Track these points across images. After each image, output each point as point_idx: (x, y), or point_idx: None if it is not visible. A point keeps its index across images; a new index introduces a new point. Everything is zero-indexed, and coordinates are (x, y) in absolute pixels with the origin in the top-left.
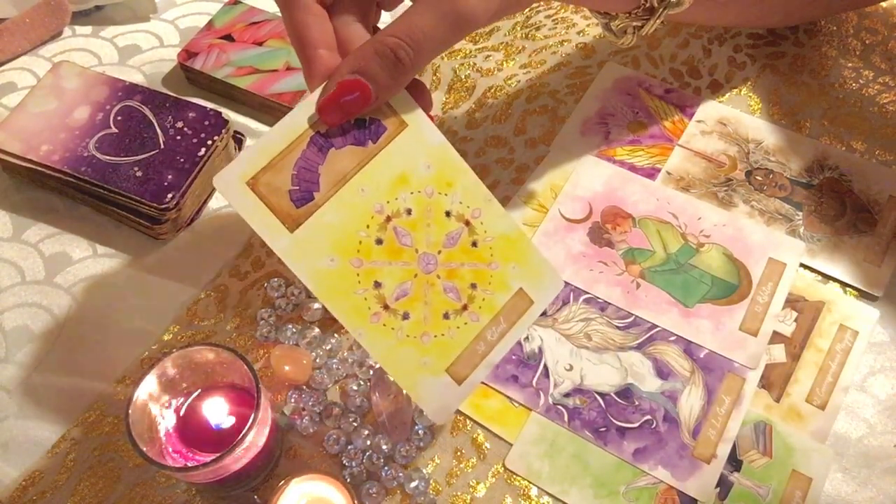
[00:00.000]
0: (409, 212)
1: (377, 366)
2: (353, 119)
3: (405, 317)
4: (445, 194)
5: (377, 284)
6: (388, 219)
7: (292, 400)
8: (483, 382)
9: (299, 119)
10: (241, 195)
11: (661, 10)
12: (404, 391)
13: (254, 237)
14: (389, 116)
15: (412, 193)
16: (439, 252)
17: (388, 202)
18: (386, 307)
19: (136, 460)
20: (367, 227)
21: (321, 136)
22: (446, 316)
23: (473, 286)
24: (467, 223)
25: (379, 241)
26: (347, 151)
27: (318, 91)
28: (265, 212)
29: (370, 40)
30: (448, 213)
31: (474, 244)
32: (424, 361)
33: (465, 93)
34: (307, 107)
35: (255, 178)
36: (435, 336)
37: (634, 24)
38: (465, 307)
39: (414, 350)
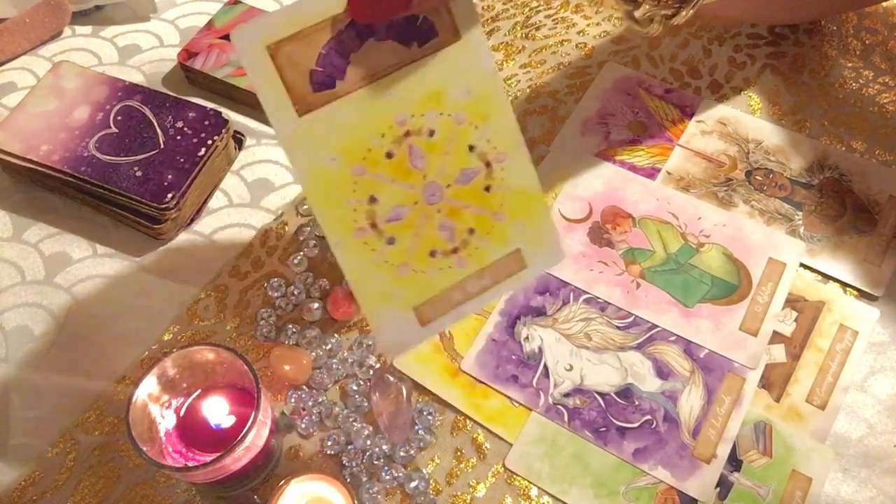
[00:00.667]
0: (431, 133)
1: (377, 366)
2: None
3: (390, 241)
4: (476, 126)
5: (372, 199)
6: (408, 134)
7: (292, 400)
8: (483, 382)
9: None
10: (258, 58)
11: None
12: (365, 315)
13: (254, 237)
14: (444, 21)
15: (441, 114)
16: (448, 186)
17: (412, 116)
18: (374, 226)
19: (136, 460)
20: (383, 135)
21: (354, 25)
22: (433, 254)
23: (471, 231)
24: (488, 164)
25: (389, 155)
26: (387, 46)
27: None
28: (278, 84)
29: None
30: (472, 148)
31: (487, 189)
32: (394, 292)
33: None
34: None
35: (278, 45)
36: (414, 270)
37: (664, 12)
38: (455, 250)
39: (387, 277)
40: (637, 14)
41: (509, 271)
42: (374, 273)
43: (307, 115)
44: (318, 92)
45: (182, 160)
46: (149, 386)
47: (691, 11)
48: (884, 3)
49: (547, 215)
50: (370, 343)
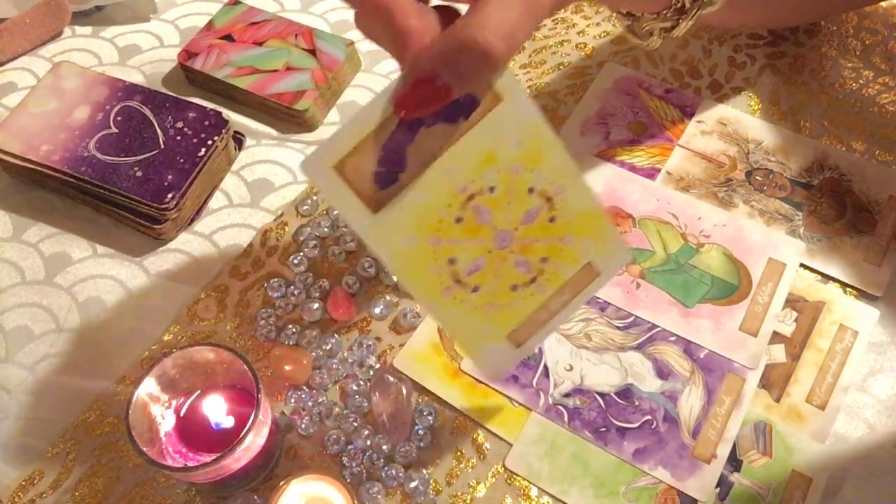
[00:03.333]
0: (491, 189)
1: (377, 366)
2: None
3: (475, 290)
4: (531, 171)
5: (451, 261)
6: (471, 197)
7: (292, 400)
8: (483, 382)
9: (389, 99)
10: (329, 180)
11: (694, 10)
12: (467, 354)
13: (254, 237)
14: (485, 89)
15: (498, 171)
16: (516, 229)
17: (472, 181)
18: (458, 281)
19: (136, 460)
20: (449, 205)
21: (407, 119)
22: (514, 287)
23: (544, 260)
24: (549, 199)
25: (458, 220)
26: (437, 130)
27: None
28: (350, 195)
29: (454, 30)
30: (531, 190)
31: (552, 220)
32: (487, 329)
33: None
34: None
35: (343, 162)
36: (501, 306)
37: (662, 25)
38: (533, 280)
39: (479, 319)
40: (637, 28)
41: (585, 282)
42: (467, 319)
43: (381, 212)
44: (385, 189)
45: (182, 160)
46: (149, 386)
47: (690, 23)
48: (883, 4)
49: (609, 224)
50: (370, 343)
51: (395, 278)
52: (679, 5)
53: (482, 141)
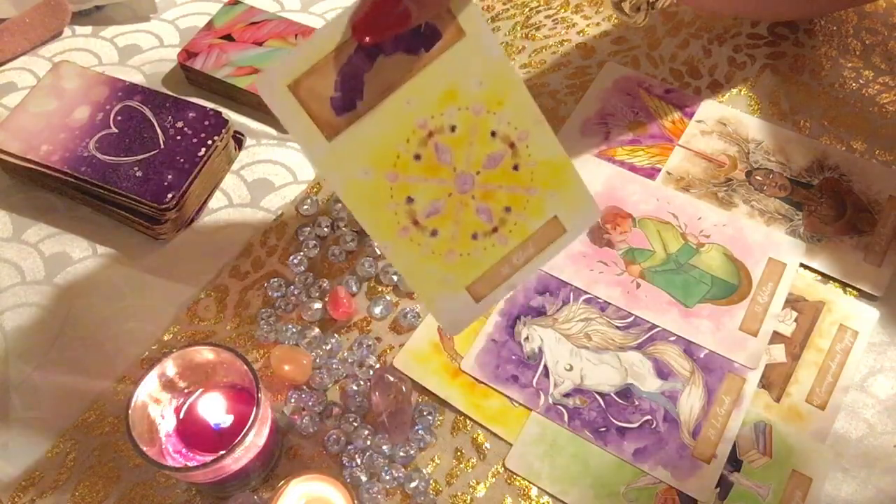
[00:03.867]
0: (452, 129)
1: (377, 366)
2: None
3: (433, 234)
4: (494, 112)
5: (409, 200)
6: (431, 134)
7: (292, 400)
8: (483, 382)
9: (349, 21)
10: (282, 99)
11: None
12: (422, 303)
13: (254, 237)
14: (447, 22)
15: (459, 109)
16: (478, 172)
17: (432, 117)
18: (415, 223)
19: (136, 460)
20: (408, 141)
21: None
22: (475, 236)
23: (507, 209)
24: (512, 145)
25: (417, 157)
26: (397, 59)
27: None
28: (304, 118)
29: None
30: (494, 133)
31: (515, 167)
32: (446, 278)
33: None
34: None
35: (297, 82)
36: (460, 254)
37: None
38: (495, 229)
39: (437, 266)
40: (624, 5)
41: (550, 238)
42: (424, 265)
43: (336, 139)
44: (341, 115)
45: (182, 160)
46: (149, 386)
47: None
48: (883, 4)
49: (577, 178)
50: (370, 343)
51: (350, 212)
52: None
53: (443, 75)
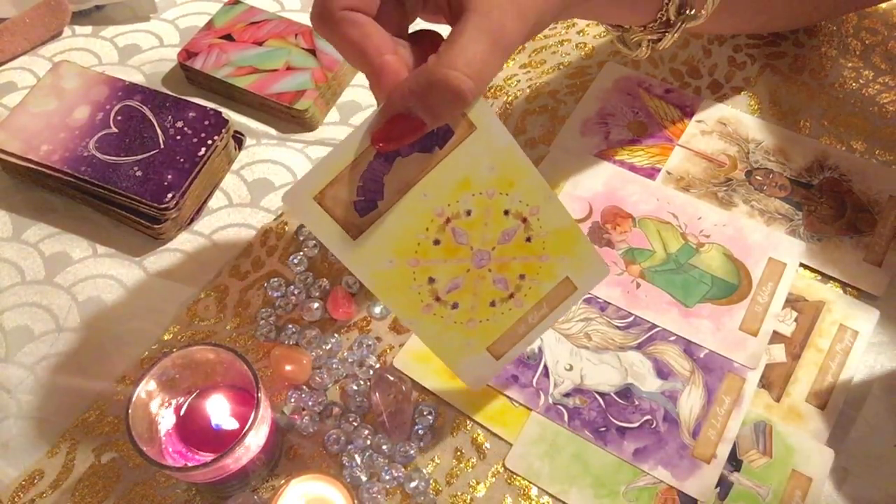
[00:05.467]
0: (468, 213)
1: (377, 366)
2: None
3: (454, 306)
4: (506, 194)
5: (431, 280)
6: (448, 220)
7: (292, 400)
8: None
9: (366, 133)
10: (309, 210)
11: (679, 23)
12: (448, 366)
13: (254, 237)
14: (459, 119)
15: (473, 195)
16: (493, 248)
17: (448, 205)
18: (437, 299)
19: (136, 460)
20: (427, 229)
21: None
22: (493, 304)
23: (522, 277)
24: (524, 220)
25: (436, 242)
26: (413, 158)
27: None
28: (330, 223)
29: (425, 69)
30: (507, 212)
31: (528, 239)
32: (468, 343)
33: None
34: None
35: (322, 193)
36: (480, 321)
37: (649, 37)
38: (511, 295)
39: (459, 334)
40: (626, 39)
41: (563, 296)
42: (447, 335)
43: (361, 237)
44: (364, 216)
45: (182, 160)
46: (149, 386)
47: (675, 36)
48: (883, 4)
49: (585, 241)
50: (370, 343)
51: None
52: (664, 19)
53: (457, 167)
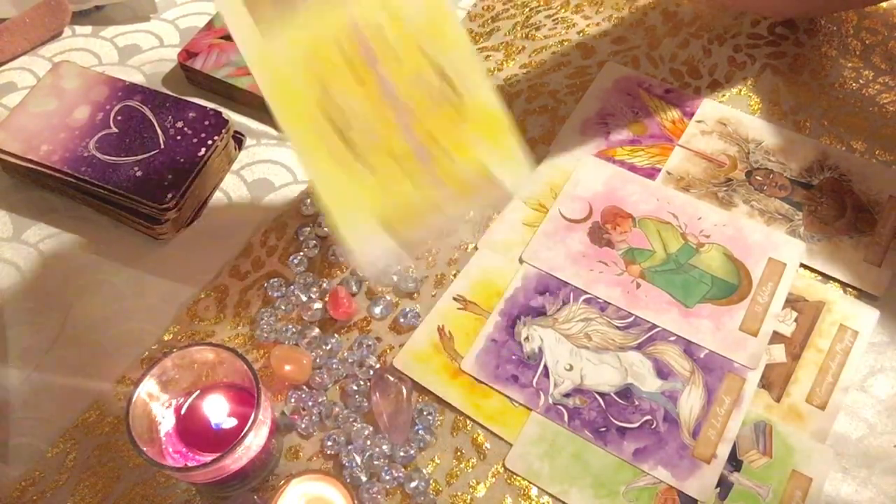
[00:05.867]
0: (384, 38)
1: (377, 366)
2: None
3: (352, 145)
4: (432, 40)
5: (338, 110)
6: (360, 34)
7: (292, 400)
8: (483, 382)
9: None
10: None
11: None
12: (339, 235)
13: (254, 237)
14: None
15: (394, 24)
16: (408, 95)
17: (363, 18)
18: (340, 134)
19: (136, 460)
20: (338, 39)
21: None
22: (397, 157)
23: (432, 137)
24: (448, 80)
25: (347, 62)
26: None
27: None
28: (241, 13)
29: None
30: (429, 62)
31: (450, 104)
32: (361, 203)
33: None
34: None
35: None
36: (383, 184)
37: None
38: (420, 155)
39: (356, 188)
40: None
41: (486, 193)
42: (336, 174)
43: (269, 34)
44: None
45: (182, 160)
46: (149, 386)
47: None
48: (883, 4)
49: (509, 133)
50: (370, 343)
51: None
52: None
53: None
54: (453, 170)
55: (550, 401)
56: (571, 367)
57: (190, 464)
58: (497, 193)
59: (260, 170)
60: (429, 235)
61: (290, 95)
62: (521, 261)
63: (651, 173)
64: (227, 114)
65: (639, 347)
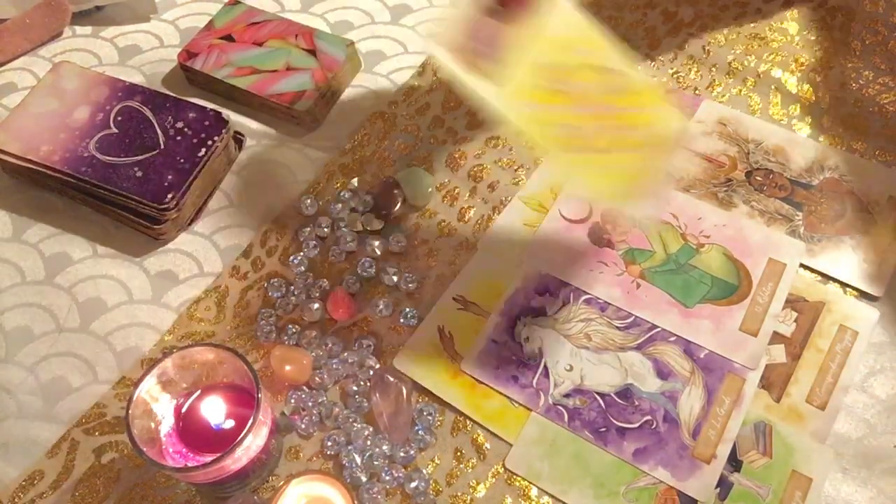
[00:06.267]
0: (568, 68)
1: (377, 366)
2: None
3: (575, 134)
4: (593, 54)
5: (560, 122)
6: (552, 70)
7: (292, 400)
8: (483, 383)
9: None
10: (450, 64)
11: None
12: (608, 200)
13: (254, 237)
14: None
15: (568, 54)
16: (598, 96)
17: (550, 61)
18: (570, 135)
19: (136, 460)
20: (537, 82)
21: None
22: (606, 141)
23: (631, 126)
24: (617, 75)
25: (551, 90)
26: (515, 28)
27: None
28: (471, 78)
29: None
30: (595, 67)
31: (623, 92)
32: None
33: None
34: None
35: (455, 49)
36: (603, 156)
37: None
38: (622, 135)
39: (600, 170)
40: None
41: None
42: (588, 167)
43: (497, 88)
44: (491, 70)
45: (182, 160)
46: (149, 386)
47: None
48: (883, 4)
49: (665, 101)
50: (370, 343)
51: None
52: None
53: (545, 29)
54: (640, 136)
55: (550, 401)
56: (571, 368)
57: (190, 464)
58: (671, 141)
59: (260, 170)
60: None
61: (531, 120)
62: (521, 261)
63: None
64: (227, 114)
65: (639, 348)
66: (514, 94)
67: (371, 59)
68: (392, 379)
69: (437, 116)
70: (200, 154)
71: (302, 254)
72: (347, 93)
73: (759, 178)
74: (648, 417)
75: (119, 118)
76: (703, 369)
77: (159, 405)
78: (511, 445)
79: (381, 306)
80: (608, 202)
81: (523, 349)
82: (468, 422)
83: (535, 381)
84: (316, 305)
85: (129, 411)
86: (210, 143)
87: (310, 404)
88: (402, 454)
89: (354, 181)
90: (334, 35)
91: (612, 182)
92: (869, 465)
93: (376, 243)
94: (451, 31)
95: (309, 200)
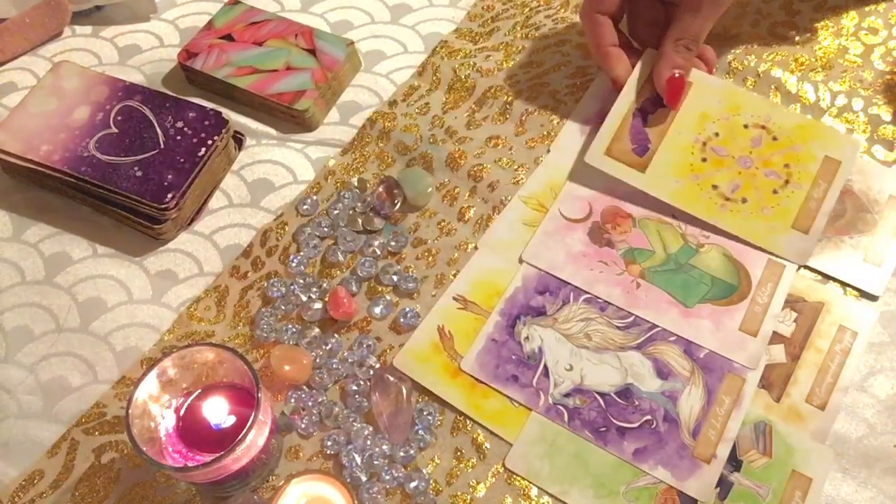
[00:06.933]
0: (717, 135)
1: (377, 366)
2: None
3: (744, 201)
4: (738, 115)
5: (714, 187)
6: (704, 143)
7: (292, 400)
8: (483, 382)
9: (625, 104)
10: (606, 162)
11: None
12: (767, 250)
13: (254, 237)
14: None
15: (714, 122)
16: (750, 153)
17: (699, 133)
18: (727, 199)
19: (136, 460)
20: (692, 153)
21: (639, 110)
22: (775, 192)
23: (787, 166)
24: (763, 127)
25: (704, 160)
26: (660, 112)
27: (633, 80)
28: (622, 167)
29: (670, 42)
30: (745, 126)
31: (775, 139)
32: (772, 226)
33: (466, 93)
34: (628, 94)
35: (609, 148)
36: (773, 208)
37: None
38: (786, 182)
39: (761, 221)
40: None
41: (832, 171)
42: (749, 223)
43: (647, 170)
44: (642, 156)
45: (182, 160)
46: (149, 386)
47: None
48: (883, 3)
49: (826, 126)
50: (370, 343)
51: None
52: None
53: (693, 108)
54: (804, 173)
55: (550, 401)
56: (571, 367)
57: (190, 464)
58: (838, 168)
59: (260, 170)
60: (821, 218)
61: (680, 194)
62: (521, 261)
63: None
64: (227, 114)
65: (639, 347)
66: (660, 175)
67: (371, 58)
68: (392, 379)
69: (437, 116)
70: (200, 154)
71: (302, 254)
72: (347, 93)
73: None
74: (648, 417)
75: (119, 118)
76: (703, 369)
77: (159, 405)
78: (511, 445)
79: (381, 306)
80: (764, 243)
81: (523, 349)
82: (468, 421)
83: (534, 381)
84: (316, 305)
85: (129, 411)
86: (210, 142)
87: (310, 404)
88: (402, 454)
89: (354, 181)
90: (334, 35)
91: (773, 222)
92: (869, 465)
93: (376, 243)
94: (603, 141)
95: (309, 200)
